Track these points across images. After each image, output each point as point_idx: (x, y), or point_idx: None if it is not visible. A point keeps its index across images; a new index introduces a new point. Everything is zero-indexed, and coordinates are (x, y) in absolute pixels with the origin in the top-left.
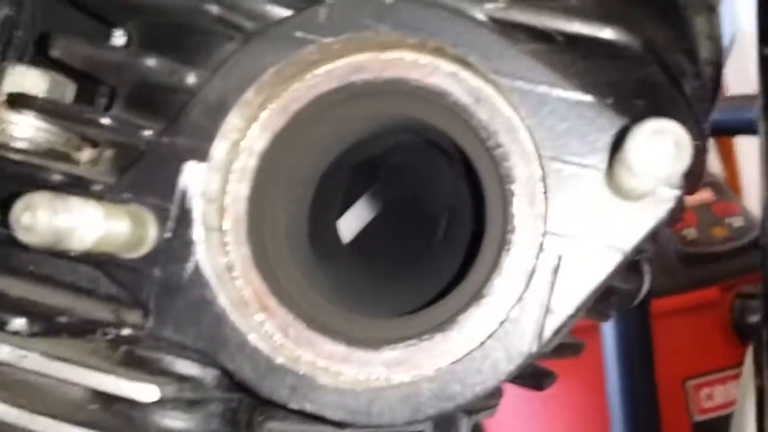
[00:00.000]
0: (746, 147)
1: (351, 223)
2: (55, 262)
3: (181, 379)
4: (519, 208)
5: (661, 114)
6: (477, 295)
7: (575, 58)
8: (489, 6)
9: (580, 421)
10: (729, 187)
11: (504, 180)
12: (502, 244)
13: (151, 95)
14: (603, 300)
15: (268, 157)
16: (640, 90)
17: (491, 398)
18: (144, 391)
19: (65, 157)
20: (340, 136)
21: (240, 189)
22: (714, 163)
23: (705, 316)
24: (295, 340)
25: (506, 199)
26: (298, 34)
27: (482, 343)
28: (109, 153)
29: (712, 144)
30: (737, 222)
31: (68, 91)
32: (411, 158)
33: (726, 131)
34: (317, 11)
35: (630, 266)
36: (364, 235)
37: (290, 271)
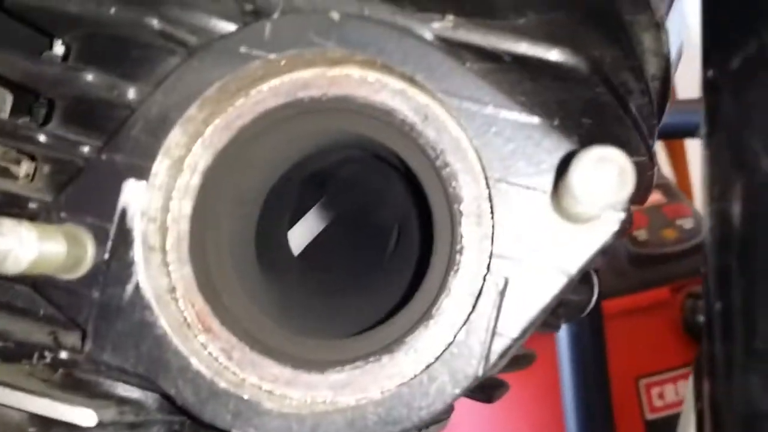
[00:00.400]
0: (696, 150)
1: (300, 236)
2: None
3: (122, 402)
4: (467, 228)
5: (608, 133)
6: (425, 316)
7: (522, 78)
8: (436, 25)
9: (535, 422)
10: (679, 189)
11: (452, 199)
12: (450, 265)
13: (90, 110)
14: (552, 313)
15: (212, 174)
16: (587, 110)
17: (442, 413)
18: (82, 416)
19: (3, 172)
20: (287, 152)
21: (182, 207)
22: (664, 166)
23: (656, 316)
24: (238, 362)
25: (454, 218)
26: (243, 49)
27: (428, 366)
28: (46, 168)
29: (662, 147)
30: (687, 224)
31: (6, 101)
32: (361, 172)
33: (675, 134)
34: (263, 27)
35: (579, 278)
36: (315, 249)
37: (234, 291)
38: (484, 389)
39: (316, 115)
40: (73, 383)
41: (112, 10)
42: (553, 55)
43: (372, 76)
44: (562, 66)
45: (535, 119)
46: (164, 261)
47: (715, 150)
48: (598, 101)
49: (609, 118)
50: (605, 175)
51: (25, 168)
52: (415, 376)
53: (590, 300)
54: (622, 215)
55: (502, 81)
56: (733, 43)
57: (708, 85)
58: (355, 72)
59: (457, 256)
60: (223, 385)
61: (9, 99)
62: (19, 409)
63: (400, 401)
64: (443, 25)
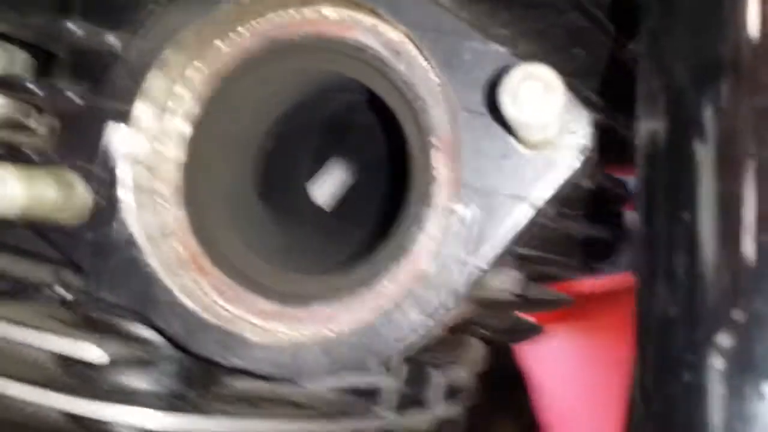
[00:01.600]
0: None
1: (323, 185)
2: (5, 231)
3: (131, 339)
4: (437, 160)
5: (597, 62)
6: (400, 250)
7: (497, 9)
8: None
9: None
10: None
11: (424, 132)
12: (424, 198)
13: (81, 59)
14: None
15: (202, 121)
16: (572, 39)
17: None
18: (91, 351)
19: (16, 125)
20: (275, 95)
21: (174, 153)
22: None
23: None
24: (229, 299)
25: (426, 150)
26: None
27: (401, 299)
28: (48, 119)
29: None
30: None
31: (16, 58)
32: (365, 117)
33: None
34: None
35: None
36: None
37: (228, 232)
38: (507, 331)
39: (293, 56)
40: (89, 322)
41: None
42: None
43: (344, 13)
44: None
45: (498, 48)
46: (156, 202)
47: (644, 67)
48: (576, 28)
49: (595, 46)
50: (530, 91)
51: (34, 120)
52: (388, 308)
53: (617, 239)
54: (581, 141)
55: (478, 13)
56: None
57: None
58: (327, 10)
59: (430, 188)
60: (208, 318)
61: (20, 56)
62: (34, 347)
63: (374, 332)
64: None
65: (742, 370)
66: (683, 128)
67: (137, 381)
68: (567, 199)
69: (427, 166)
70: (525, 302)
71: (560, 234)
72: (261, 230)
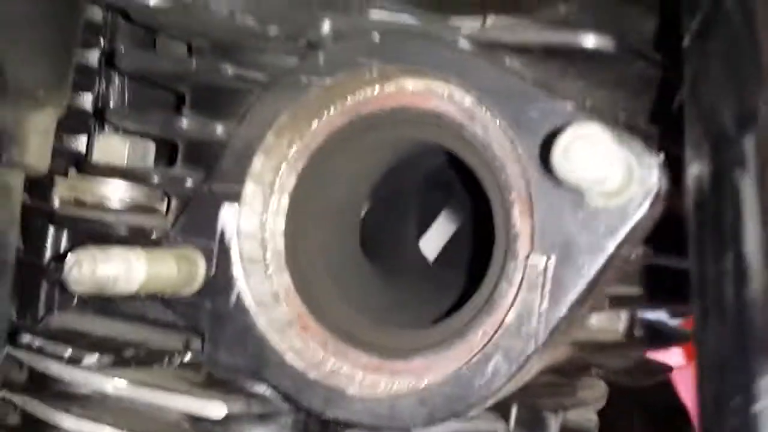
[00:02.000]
0: None
1: (431, 239)
2: (137, 303)
3: (251, 396)
4: (516, 215)
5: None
6: (487, 303)
7: (566, 64)
8: (467, 30)
9: None
10: None
11: (503, 189)
12: (507, 252)
13: (196, 148)
14: None
15: (296, 193)
16: (641, 85)
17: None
18: (213, 408)
19: (152, 211)
20: (369, 164)
21: (276, 224)
22: None
23: None
24: (333, 354)
25: (506, 207)
26: (303, 79)
27: (484, 347)
28: (174, 203)
29: None
30: None
31: (148, 150)
32: (455, 178)
33: None
34: (317, 57)
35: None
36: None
37: (328, 292)
38: (633, 372)
39: (379, 128)
40: (212, 382)
41: (194, 64)
42: (581, 40)
43: (421, 84)
44: (593, 50)
45: (563, 104)
46: (266, 271)
47: (689, 113)
48: (644, 75)
49: (664, 90)
50: (580, 149)
51: (159, 204)
52: (473, 356)
53: None
54: (650, 187)
55: (548, 70)
56: (692, 3)
57: (683, 52)
58: (407, 83)
59: (513, 243)
60: (312, 375)
61: (151, 147)
62: (164, 407)
63: (463, 381)
64: (473, 30)
65: None
66: (727, 166)
67: None
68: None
69: (509, 222)
70: (635, 341)
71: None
72: (364, 288)
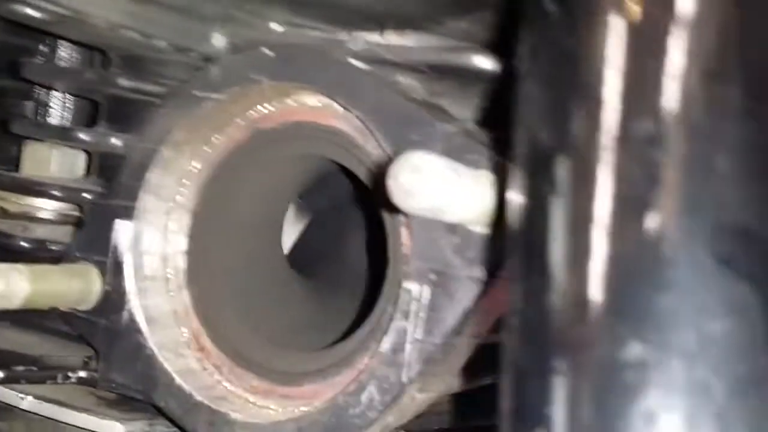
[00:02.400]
0: None
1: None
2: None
3: (155, 416)
4: (405, 236)
5: None
6: (378, 326)
7: (453, 84)
8: (357, 48)
9: None
10: None
11: (393, 210)
12: (395, 275)
13: (103, 160)
14: None
15: (199, 210)
16: None
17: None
18: (111, 428)
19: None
20: (280, 181)
21: (177, 242)
22: None
23: None
24: (227, 377)
25: (396, 229)
26: (196, 92)
27: (358, 376)
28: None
29: None
30: None
31: (78, 160)
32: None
33: None
34: (210, 70)
35: None
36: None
37: (227, 313)
38: None
39: (282, 144)
40: (120, 401)
41: (87, 75)
42: (465, 60)
43: (319, 101)
44: (479, 70)
45: (446, 127)
46: (167, 289)
47: (515, 136)
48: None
49: None
50: (411, 180)
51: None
52: (351, 386)
53: None
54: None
55: (444, 88)
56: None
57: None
58: (306, 99)
59: (398, 266)
60: (199, 398)
61: (82, 158)
62: (64, 423)
63: (338, 410)
64: (364, 47)
65: None
66: (540, 189)
67: None
68: None
69: (397, 245)
70: None
71: None
72: (283, 307)
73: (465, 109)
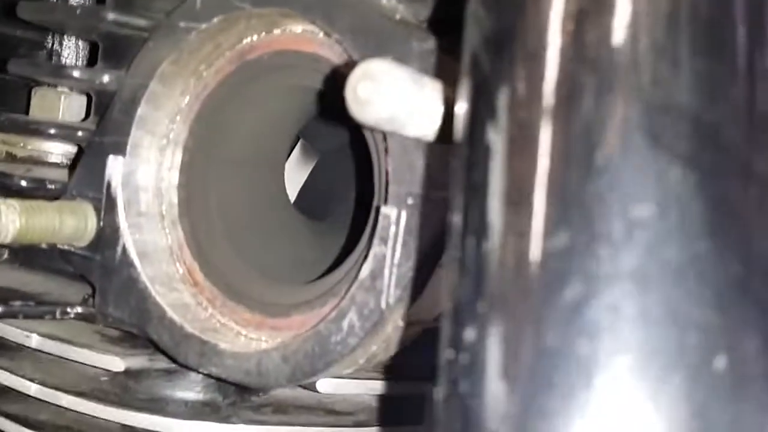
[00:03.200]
0: None
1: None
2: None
3: (156, 351)
4: (389, 162)
5: None
6: (362, 256)
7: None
8: None
9: None
10: None
11: (376, 135)
12: (380, 199)
13: (99, 100)
14: None
15: (191, 145)
16: None
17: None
18: (111, 362)
19: (51, 164)
20: (275, 116)
21: (171, 177)
22: None
23: None
24: (220, 310)
25: (380, 155)
26: (182, 23)
27: (338, 303)
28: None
29: None
30: None
31: (79, 103)
32: None
33: None
34: (194, 0)
35: None
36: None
37: (222, 247)
38: None
39: (269, 74)
40: (123, 337)
41: (77, 11)
42: None
43: (304, 28)
44: None
45: (423, 45)
46: (162, 225)
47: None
48: None
49: None
50: (366, 89)
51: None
52: (333, 314)
53: None
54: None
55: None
56: None
57: None
58: (293, 27)
59: (382, 191)
60: (189, 330)
61: (81, 101)
62: (65, 359)
63: (320, 338)
64: None
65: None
66: (482, 117)
67: (168, 389)
68: None
69: (381, 171)
70: None
71: None
72: (275, 243)
73: None
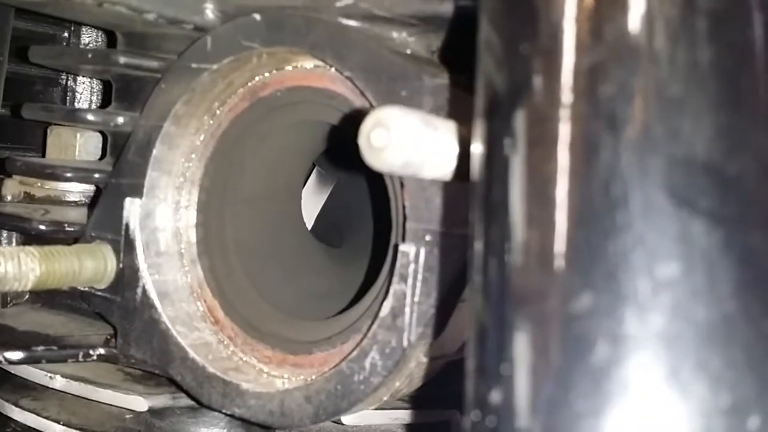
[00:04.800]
0: None
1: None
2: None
3: (179, 389)
4: (405, 198)
5: None
6: (383, 292)
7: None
8: (339, 5)
9: None
10: None
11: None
12: (398, 236)
13: (115, 141)
14: None
15: (207, 182)
16: None
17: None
18: (135, 402)
19: (69, 203)
20: (290, 151)
21: (188, 216)
22: None
23: None
24: (242, 348)
25: (396, 191)
26: (194, 65)
27: (360, 342)
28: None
29: None
30: None
31: (95, 141)
32: None
33: None
34: (205, 41)
35: None
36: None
37: (242, 284)
38: None
39: (282, 110)
40: (146, 376)
41: (89, 55)
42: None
43: (315, 64)
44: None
45: (435, 81)
46: (182, 264)
47: (477, 84)
48: None
49: None
50: (378, 137)
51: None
52: (354, 353)
53: None
54: None
55: (434, 42)
56: None
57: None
58: (304, 63)
59: (400, 228)
60: (211, 370)
61: (98, 138)
62: (88, 399)
63: (343, 377)
64: (345, 4)
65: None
66: (498, 141)
67: (192, 426)
68: None
69: (399, 207)
70: None
71: None
72: (294, 277)
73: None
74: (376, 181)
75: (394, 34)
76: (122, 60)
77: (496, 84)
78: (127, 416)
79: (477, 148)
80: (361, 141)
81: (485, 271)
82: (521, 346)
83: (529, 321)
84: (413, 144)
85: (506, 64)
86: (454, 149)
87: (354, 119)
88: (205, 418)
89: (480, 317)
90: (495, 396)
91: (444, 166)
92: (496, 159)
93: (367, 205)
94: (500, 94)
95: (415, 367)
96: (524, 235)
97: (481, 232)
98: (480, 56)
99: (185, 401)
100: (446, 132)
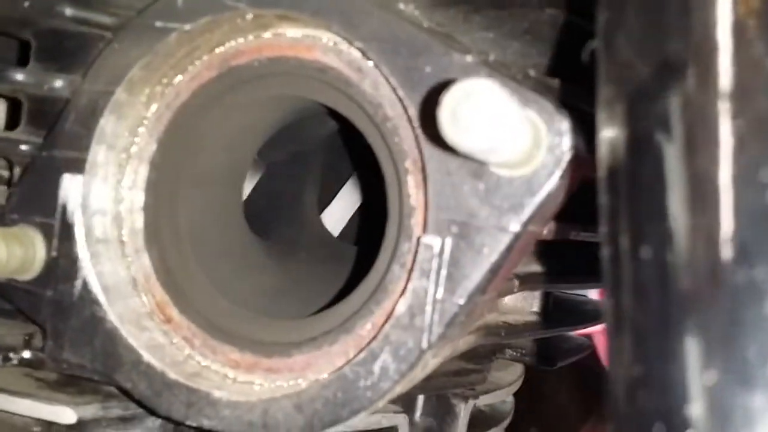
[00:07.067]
0: None
1: (334, 213)
2: None
3: (108, 397)
4: (412, 186)
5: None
6: (379, 289)
7: (470, 12)
8: None
9: None
10: None
11: (396, 156)
12: (401, 230)
13: (37, 107)
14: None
15: (159, 161)
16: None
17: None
18: (62, 414)
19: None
20: (253, 127)
21: (135, 198)
22: None
23: None
24: (200, 350)
25: (400, 177)
26: (158, 23)
27: (369, 343)
28: (7, 173)
29: None
30: None
31: None
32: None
33: None
34: None
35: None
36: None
37: (195, 277)
38: (544, 354)
39: (257, 83)
40: (66, 381)
41: (26, 4)
42: None
43: (303, 33)
44: None
45: (464, 57)
46: (123, 253)
47: (601, 68)
48: (557, 26)
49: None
50: (471, 112)
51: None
52: (358, 354)
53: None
54: (562, 158)
55: (450, 18)
56: None
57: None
58: (286, 30)
59: (405, 220)
60: (174, 376)
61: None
62: (5, 411)
63: (345, 383)
64: None
65: None
66: (646, 129)
67: None
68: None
69: (402, 195)
70: (550, 320)
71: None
72: (248, 271)
73: (477, 43)
74: (320, 169)
75: (401, 6)
76: (69, 12)
77: (637, 69)
78: (35, 429)
79: (608, 137)
80: (443, 115)
81: (637, 272)
82: (697, 355)
83: (706, 328)
84: (504, 125)
85: (654, 49)
86: (522, 134)
87: (352, 98)
88: (137, 430)
89: (636, 322)
90: (695, 409)
91: (513, 152)
92: (644, 148)
93: (299, 192)
94: (646, 80)
95: (421, 368)
96: (695, 241)
97: (624, 228)
98: (609, 39)
99: (117, 411)
100: (519, 115)
